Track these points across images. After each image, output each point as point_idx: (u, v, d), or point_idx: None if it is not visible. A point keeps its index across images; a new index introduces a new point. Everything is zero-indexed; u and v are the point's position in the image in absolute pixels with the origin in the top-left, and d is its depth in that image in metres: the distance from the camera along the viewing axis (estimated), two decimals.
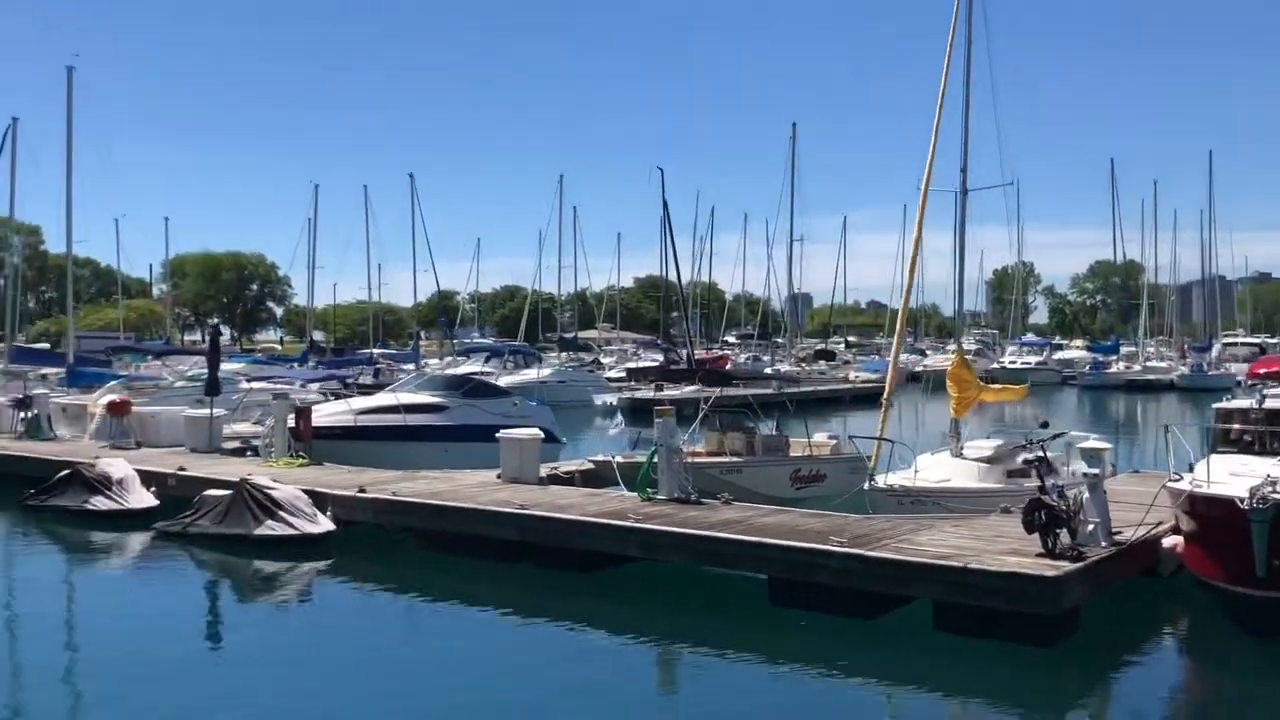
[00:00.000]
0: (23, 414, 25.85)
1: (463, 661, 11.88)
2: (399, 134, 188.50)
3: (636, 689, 11.20)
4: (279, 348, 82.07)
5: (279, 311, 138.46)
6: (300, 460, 20.40)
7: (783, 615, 12.66)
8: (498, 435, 18.67)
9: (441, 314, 77.14)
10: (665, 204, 50.21)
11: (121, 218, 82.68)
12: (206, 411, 23.04)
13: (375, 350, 69.25)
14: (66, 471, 19.64)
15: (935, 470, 16.44)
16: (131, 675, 11.21)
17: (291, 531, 16.27)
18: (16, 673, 11.58)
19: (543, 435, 19.18)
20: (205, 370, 31.13)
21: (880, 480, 15.86)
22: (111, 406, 23.77)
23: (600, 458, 19.95)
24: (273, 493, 16.64)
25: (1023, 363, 74.50)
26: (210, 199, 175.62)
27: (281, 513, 16.41)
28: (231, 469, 19.88)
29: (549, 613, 13.44)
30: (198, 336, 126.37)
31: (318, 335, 76.19)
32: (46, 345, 46.29)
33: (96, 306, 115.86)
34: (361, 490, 16.97)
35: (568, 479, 19.00)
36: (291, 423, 21.09)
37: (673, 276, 55.65)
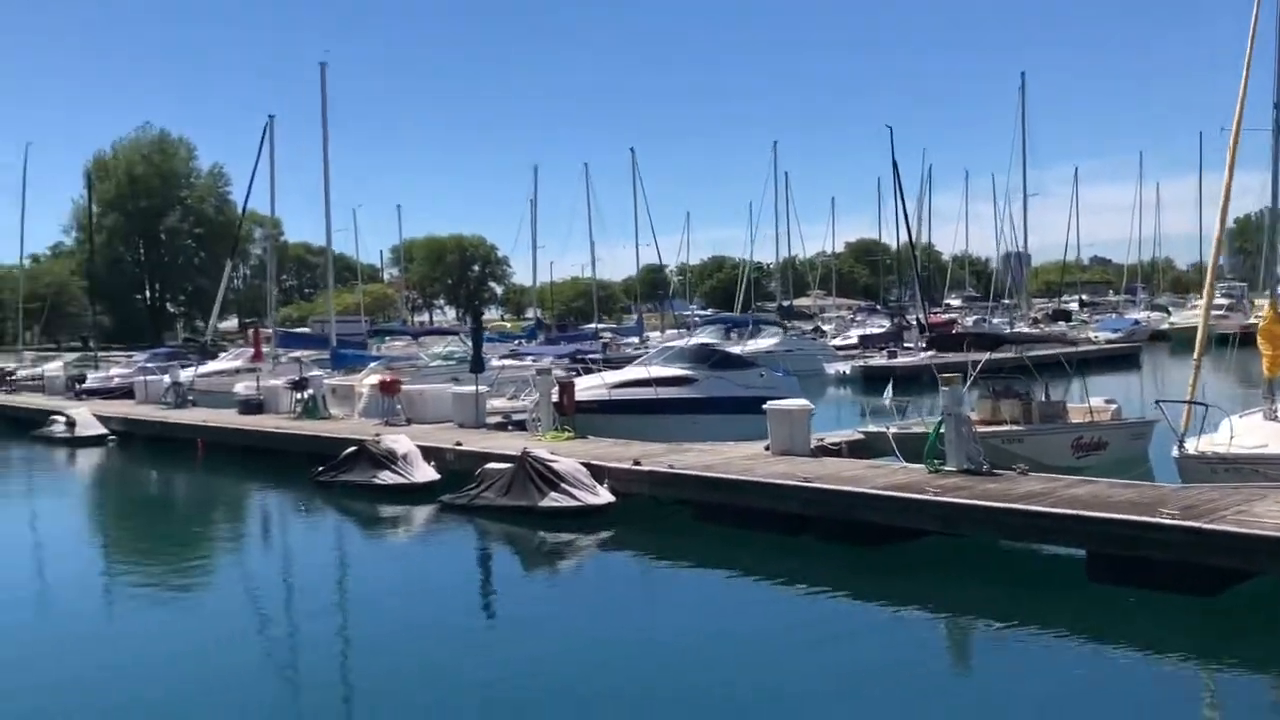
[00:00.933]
0: (299, 395, 27.56)
1: (745, 635, 11.68)
2: (609, 111, 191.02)
3: (934, 666, 10.68)
4: (507, 326, 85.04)
5: (498, 291, 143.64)
6: (566, 433, 20.85)
7: (1102, 592, 11.92)
8: (764, 407, 18.44)
9: (660, 289, 77.85)
10: (895, 164, 48.65)
11: (358, 208, 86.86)
12: (473, 388, 23.89)
13: (597, 325, 70.69)
14: (353, 449, 20.75)
15: (1249, 435, 15.11)
16: (422, 640, 11.66)
17: (574, 503, 16.60)
18: (315, 639, 12.22)
19: (812, 407, 18.83)
20: (454, 349, 32.57)
21: (1191, 446, 14.71)
22: (383, 386, 25.00)
23: (871, 428, 19.46)
24: (554, 465, 17.02)
25: None
26: (435, 186, 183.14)
27: (564, 485, 16.76)
28: (503, 443, 20.54)
29: (834, 587, 13.10)
30: (425, 318, 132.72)
31: (536, 313, 78.16)
32: (306, 329, 49.11)
33: (335, 292, 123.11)
34: (636, 463, 17.13)
35: (835, 450, 18.61)
36: (555, 397, 21.57)
37: (904, 237, 54.00)
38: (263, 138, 38.31)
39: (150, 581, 15.26)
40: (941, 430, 15.32)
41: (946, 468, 15.11)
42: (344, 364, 33.72)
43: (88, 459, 29.05)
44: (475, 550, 16.64)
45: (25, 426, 33.92)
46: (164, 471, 26.60)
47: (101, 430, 30.82)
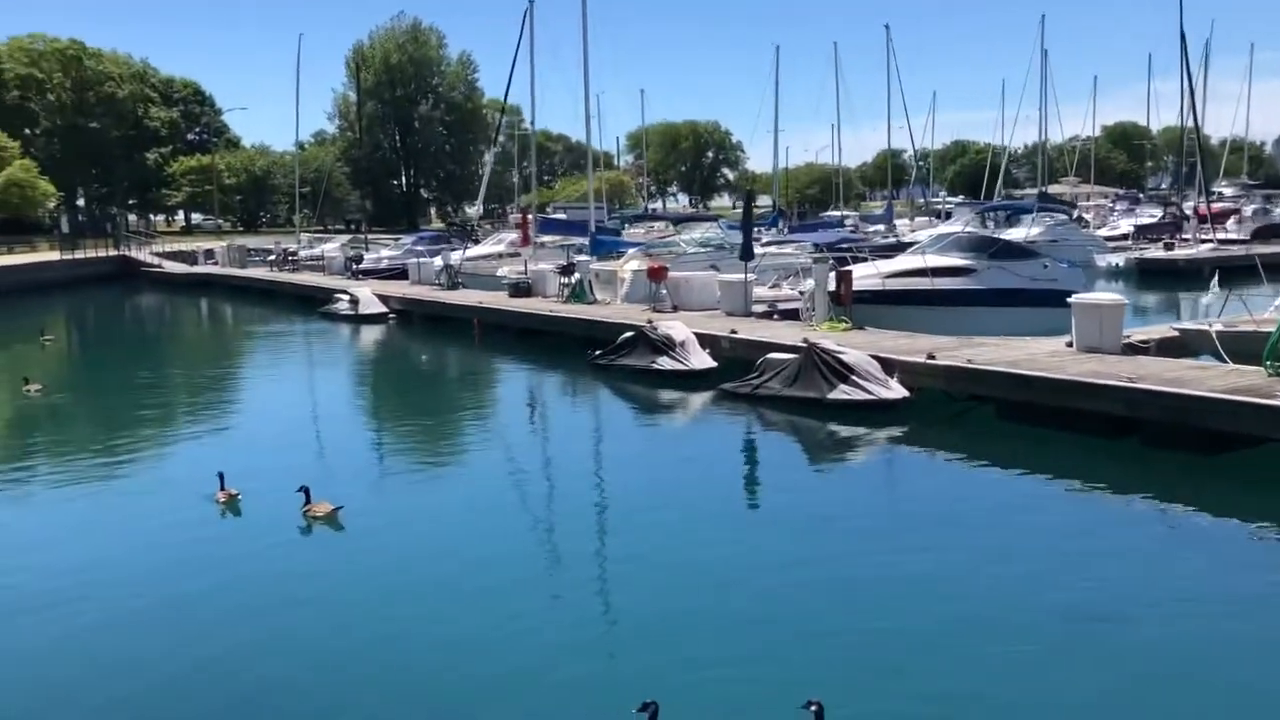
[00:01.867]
0: (566, 280, 28.06)
1: (1053, 535, 11.01)
2: None
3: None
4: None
5: (731, 177, 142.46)
6: (844, 324, 20.28)
7: None
8: (1070, 301, 17.22)
9: (902, 174, 74.44)
10: (1183, 36, 43.61)
11: (601, 94, 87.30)
12: (741, 276, 23.59)
13: (841, 212, 68.76)
14: (630, 334, 20.94)
15: None
16: (702, 525, 11.56)
17: (865, 396, 16.13)
18: (588, 514, 12.30)
19: (1125, 301, 17.46)
20: (711, 235, 32.27)
21: None
22: (650, 272, 25.04)
23: (1188, 325, 17.91)
24: (843, 357, 16.55)
25: None
26: (674, 72, 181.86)
27: (854, 377, 16.29)
28: (778, 332, 20.22)
29: (1162, 496, 12.20)
30: (658, 205, 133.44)
31: (776, 200, 76.60)
32: (563, 216, 49.96)
33: (572, 179, 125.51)
34: (931, 357, 16.42)
35: (1144, 348, 17.24)
36: (831, 286, 20.98)
37: (1183, 120, 49.01)
38: (522, 25, 38.48)
39: (444, 451, 16.03)
40: None
41: None
42: (601, 250, 34.08)
43: (371, 334, 30.83)
44: (758, 439, 16.42)
45: (311, 304, 36.33)
46: (444, 349, 27.85)
47: (382, 309, 32.54)
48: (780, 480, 14.01)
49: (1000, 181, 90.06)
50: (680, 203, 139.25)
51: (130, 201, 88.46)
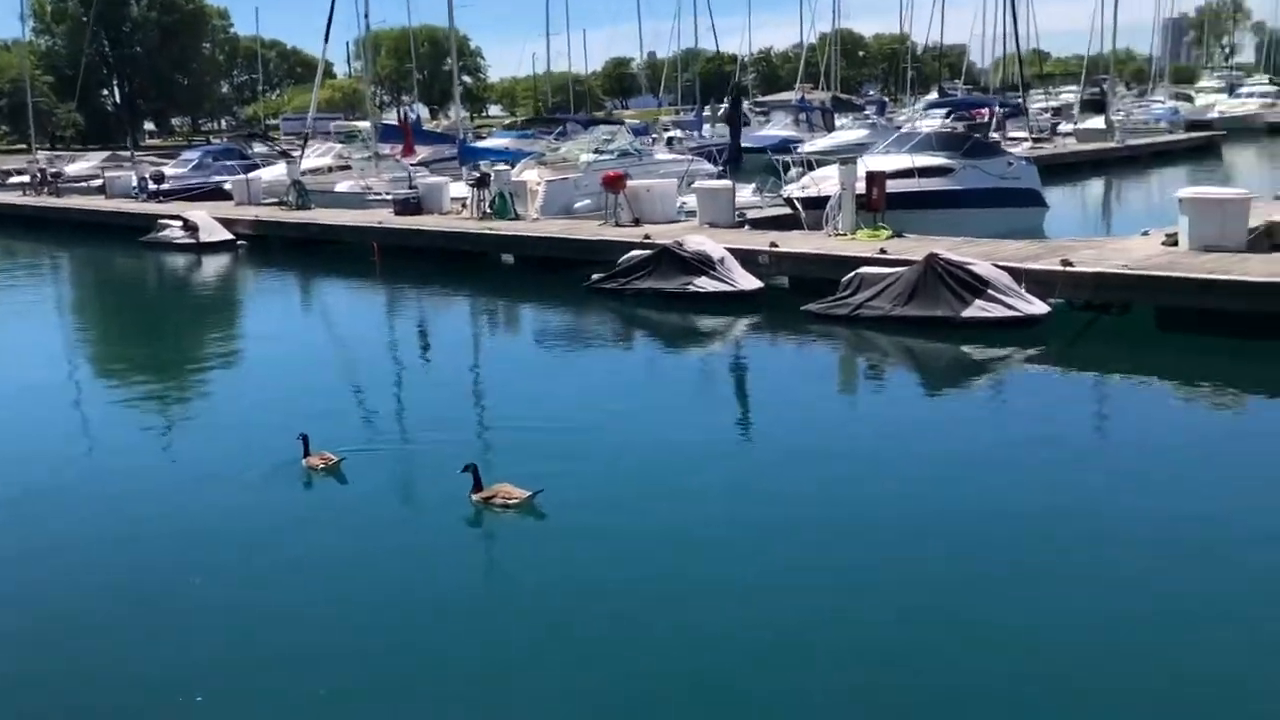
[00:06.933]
0: (482, 194, 24.32)
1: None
2: None
3: None
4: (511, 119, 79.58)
5: (471, 84, 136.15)
6: (884, 231, 18.14)
7: None
8: (1182, 195, 15.85)
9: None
10: None
11: None
12: (726, 183, 20.96)
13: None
14: (645, 253, 17.93)
15: None
16: (825, 461, 9.89)
17: (1008, 313, 14.13)
18: (678, 452, 10.18)
19: (1251, 194, 16.27)
20: (615, 140, 29.20)
21: None
22: (608, 181, 21.86)
23: None
24: (974, 268, 14.46)
25: None
26: None
27: (990, 290, 14.26)
28: (819, 244, 17.90)
29: None
30: (393, 116, 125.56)
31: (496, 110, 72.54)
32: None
33: (296, 90, 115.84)
34: (1067, 263, 14.60)
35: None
36: (861, 190, 18.77)
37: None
38: None
39: (460, 403, 12.58)
40: None
41: None
42: (471, 159, 30.29)
43: (217, 265, 25.82)
44: (884, 367, 14.20)
45: (123, 233, 30.16)
46: (337, 280, 23.50)
47: (226, 235, 27.34)
48: (928, 415, 11.83)
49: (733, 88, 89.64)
50: (417, 114, 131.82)
51: None
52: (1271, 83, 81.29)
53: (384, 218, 25.23)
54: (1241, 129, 64.88)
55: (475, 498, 8.74)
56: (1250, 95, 75.94)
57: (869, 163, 20.97)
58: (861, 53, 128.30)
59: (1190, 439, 10.44)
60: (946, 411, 12.07)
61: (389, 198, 27.10)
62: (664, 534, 8.25)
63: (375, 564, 8.00)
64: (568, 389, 13.26)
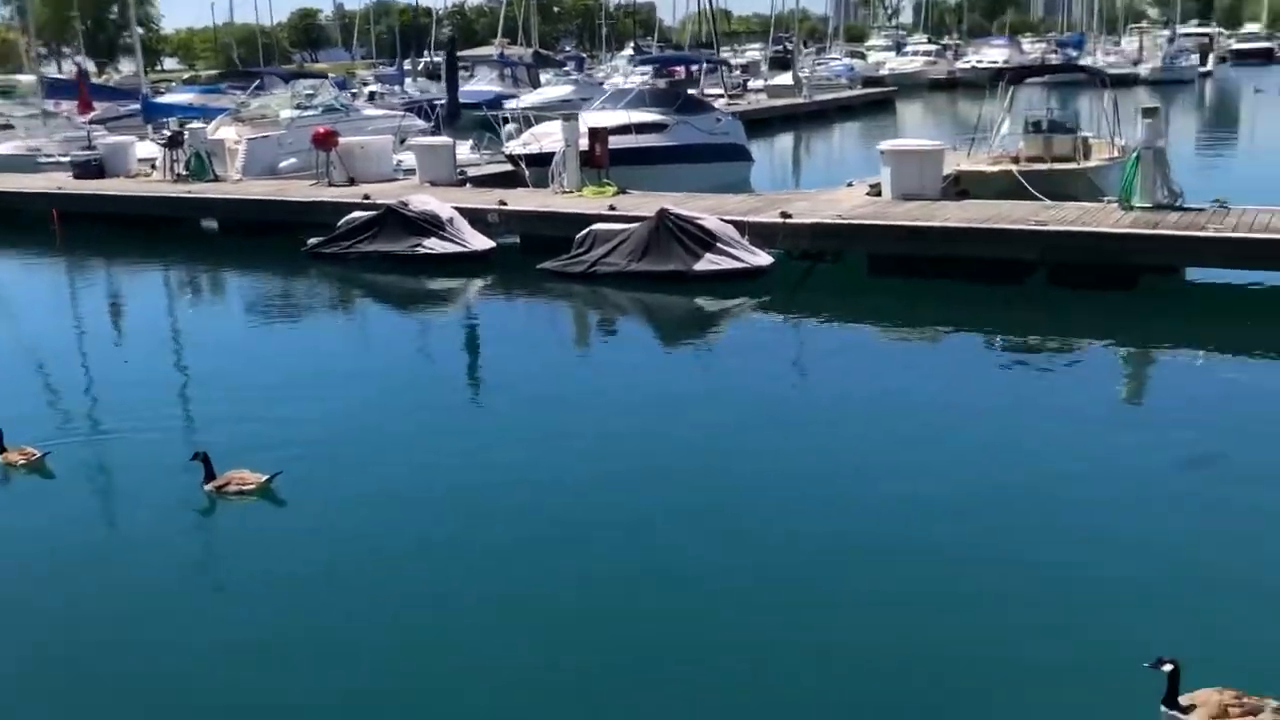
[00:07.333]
0: (176, 154, 22.42)
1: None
2: None
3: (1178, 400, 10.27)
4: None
5: (142, 35, 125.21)
6: (610, 187, 18.25)
7: None
8: (884, 148, 16.86)
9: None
10: None
11: None
12: (446, 140, 20.34)
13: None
14: (367, 214, 17.14)
15: None
16: (557, 410, 10.19)
17: (737, 264, 14.58)
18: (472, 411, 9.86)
19: (944, 146, 17.45)
20: (319, 96, 27.77)
21: None
22: (318, 139, 20.68)
23: (984, 167, 18.15)
24: (703, 223, 14.81)
25: (989, 62, 73.36)
26: None
27: (720, 244, 14.67)
28: (545, 200, 17.77)
29: (1082, 335, 12.26)
30: (55, 69, 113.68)
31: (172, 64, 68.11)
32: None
33: None
34: (786, 215, 15.24)
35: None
36: (584, 146, 18.75)
37: None
38: None
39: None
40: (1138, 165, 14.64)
41: (1141, 204, 14.56)
42: (155, 115, 27.99)
43: None
44: (620, 322, 14.43)
45: None
46: (19, 253, 20.97)
47: None
48: (668, 366, 12.28)
49: (432, 41, 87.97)
50: (83, 68, 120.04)
51: None
52: (931, 41, 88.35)
53: (62, 182, 22.74)
54: (910, 84, 70.32)
55: (208, 487, 8.16)
56: (915, 54, 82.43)
57: (588, 119, 20.99)
58: (556, 8, 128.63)
59: (901, 376, 11.15)
60: (685, 361, 12.52)
61: (65, 160, 24.48)
62: (404, 501, 8.15)
63: (102, 563, 7.34)
64: (295, 362, 12.56)
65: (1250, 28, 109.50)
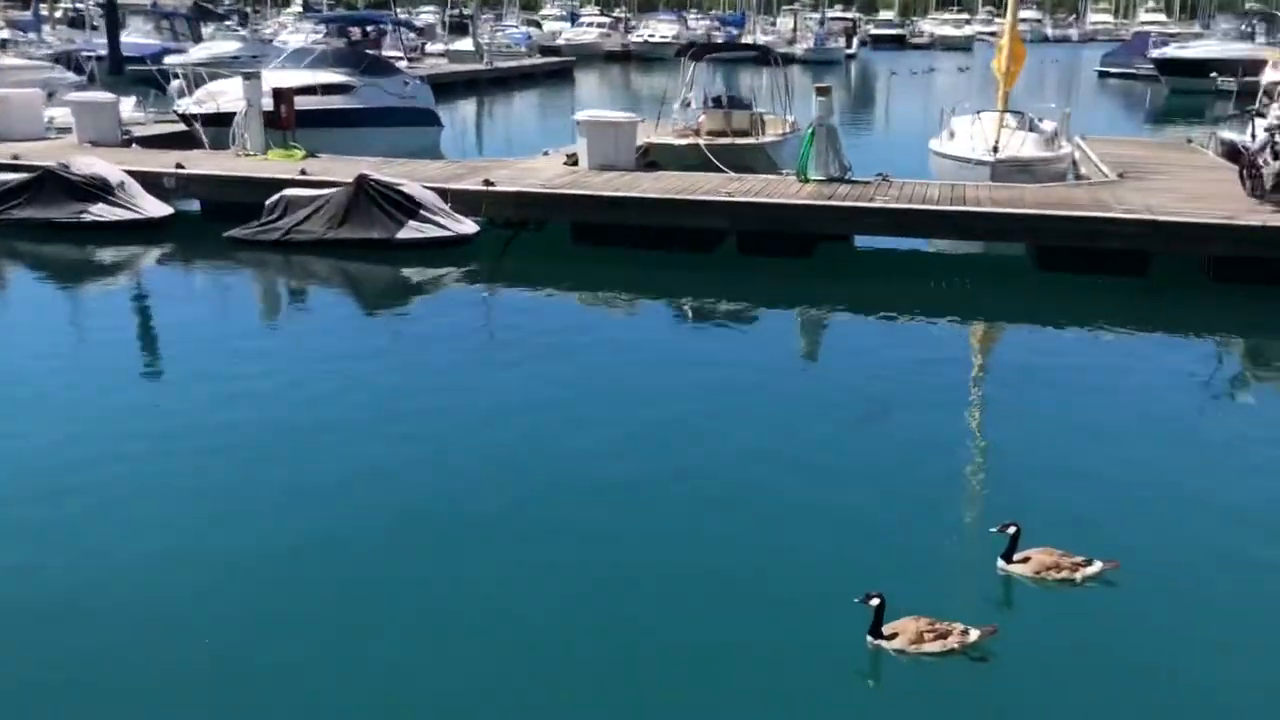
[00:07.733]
0: None
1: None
2: None
3: (858, 359, 11.21)
4: None
5: None
6: (298, 151, 17.44)
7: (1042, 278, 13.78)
8: (580, 118, 17.12)
9: None
10: None
11: None
12: (108, 96, 18.57)
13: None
14: (25, 176, 15.41)
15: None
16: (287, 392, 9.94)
17: (441, 233, 14.43)
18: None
19: (639, 118, 17.83)
20: None
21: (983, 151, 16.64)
22: None
23: (673, 140, 18.71)
24: (405, 189, 14.48)
25: (661, 37, 75.99)
26: None
27: (423, 211, 14.43)
28: (226, 163, 16.73)
29: (766, 299, 13.29)
30: None
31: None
32: None
33: None
34: (489, 183, 15.19)
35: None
36: (268, 107, 17.75)
37: None
38: None
39: None
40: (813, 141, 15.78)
41: (816, 177, 15.72)
42: None
43: None
44: (322, 295, 13.86)
45: None
46: None
47: None
48: (371, 337, 12.04)
49: None
50: None
51: None
52: (603, 14, 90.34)
53: None
54: (587, 55, 71.59)
55: None
56: (590, 25, 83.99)
57: (271, 78, 19.88)
58: None
59: (605, 343, 11.55)
60: (388, 331, 12.22)
61: None
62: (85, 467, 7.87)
63: None
64: None
65: (885, 15, 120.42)
